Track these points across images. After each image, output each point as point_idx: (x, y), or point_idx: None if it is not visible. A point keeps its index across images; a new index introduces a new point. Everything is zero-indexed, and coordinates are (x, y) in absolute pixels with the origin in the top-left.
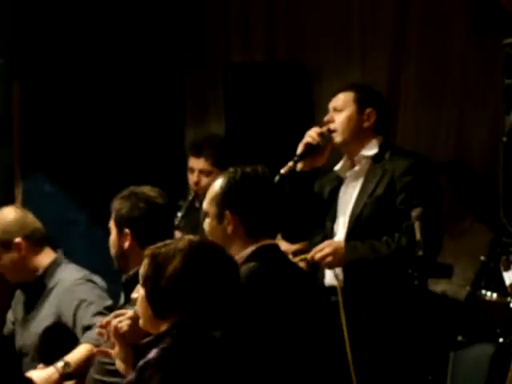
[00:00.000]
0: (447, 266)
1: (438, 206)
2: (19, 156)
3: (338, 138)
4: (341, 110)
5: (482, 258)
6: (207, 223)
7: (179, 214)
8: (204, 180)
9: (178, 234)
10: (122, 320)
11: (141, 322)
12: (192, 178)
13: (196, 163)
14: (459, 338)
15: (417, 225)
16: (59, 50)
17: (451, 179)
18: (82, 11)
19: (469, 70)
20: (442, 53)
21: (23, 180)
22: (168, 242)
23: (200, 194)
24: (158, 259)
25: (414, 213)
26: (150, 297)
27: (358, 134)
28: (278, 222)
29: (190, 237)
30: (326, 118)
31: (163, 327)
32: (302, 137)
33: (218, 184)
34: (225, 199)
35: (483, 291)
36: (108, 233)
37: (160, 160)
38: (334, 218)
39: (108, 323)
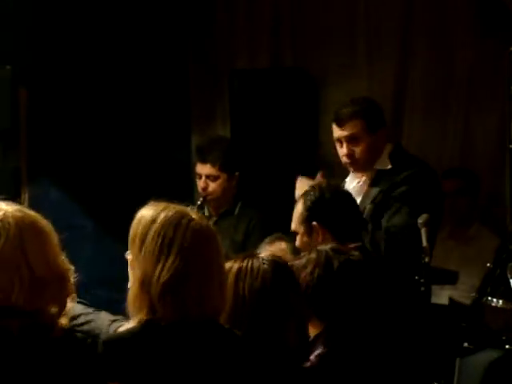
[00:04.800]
0: (452, 273)
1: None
2: (26, 161)
3: (360, 167)
4: (356, 141)
5: (488, 264)
6: None
7: None
8: (211, 185)
9: None
10: None
11: None
12: (199, 184)
13: (202, 169)
14: (465, 344)
15: (423, 231)
16: (65, 57)
17: (463, 185)
18: (89, 19)
19: (474, 78)
20: (448, 60)
21: (30, 185)
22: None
23: (209, 200)
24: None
25: (421, 219)
26: None
27: (376, 155)
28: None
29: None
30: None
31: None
32: (307, 143)
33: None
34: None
35: (489, 298)
36: (115, 239)
37: (167, 167)
38: None
39: None
